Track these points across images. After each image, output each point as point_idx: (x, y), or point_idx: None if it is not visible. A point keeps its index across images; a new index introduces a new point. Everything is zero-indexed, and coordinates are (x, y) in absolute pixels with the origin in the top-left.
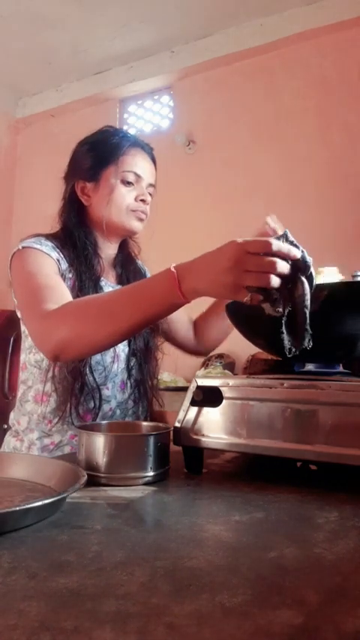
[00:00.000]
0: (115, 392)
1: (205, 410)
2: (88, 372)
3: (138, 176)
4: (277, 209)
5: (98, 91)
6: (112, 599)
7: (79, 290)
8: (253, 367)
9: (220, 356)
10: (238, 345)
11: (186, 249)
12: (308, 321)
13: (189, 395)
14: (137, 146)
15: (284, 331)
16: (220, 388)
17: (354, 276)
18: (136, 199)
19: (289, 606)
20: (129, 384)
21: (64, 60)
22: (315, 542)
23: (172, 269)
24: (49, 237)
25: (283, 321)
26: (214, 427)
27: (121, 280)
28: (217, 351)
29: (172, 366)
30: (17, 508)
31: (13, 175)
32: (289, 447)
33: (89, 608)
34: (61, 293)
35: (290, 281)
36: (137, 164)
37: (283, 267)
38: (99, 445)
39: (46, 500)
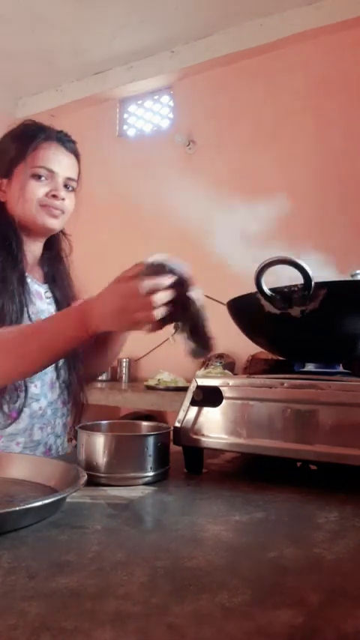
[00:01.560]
0: (44, 390)
1: (205, 410)
2: None
3: (50, 171)
4: (277, 209)
5: (98, 91)
6: (112, 599)
7: (1, 286)
8: (253, 367)
9: (220, 356)
10: (238, 345)
11: (187, 249)
12: (208, 328)
13: (189, 395)
14: (51, 140)
15: (188, 339)
16: (220, 388)
17: (353, 275)
18: (47, 195)
19: (289, 606)
20: (57, 384)
21: (64, 60)
22: (315, 542)
23: (77, 308)
24: None
25: (186, 337)
26: (214, 427)
27: (47, 279)
28: (217, 351)
29: (172, 366)
30: (17, 508)
31: None
32: (289, 447)
33: (89, 608)
34: None
35: (179, 300)
36: (50, 158)
37: (161, 297)
38: (99, 445)
39: (46, 500)
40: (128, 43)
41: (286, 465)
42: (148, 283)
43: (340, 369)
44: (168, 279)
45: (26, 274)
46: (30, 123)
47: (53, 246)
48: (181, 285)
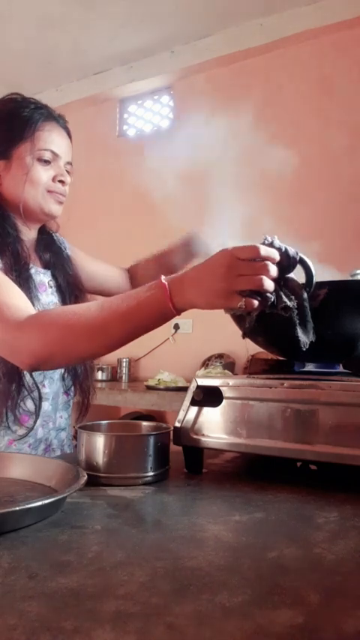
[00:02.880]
0: (54, 389)
1: (205, 410)
2: (25, 372)
3: (55, 154)
4: (277, 208)
5: (98, 91)
6: (112, 599)
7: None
8: (253, 367)
9: (220, 356)
10: (238, 345)
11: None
12: (310, 313)
13: (189, 395)
14: (52, 119)
15: (298, 327)
16: (220, 388)
17: (353, 275)
18: (53, 180)
19: (289, 606)
20: (56, 376)
21: (64, 60)
22: (315, 542)
23: (164, 282)
24: None
25: (295, 318)
26: (214, 427)
27: (48, 265)
28: (217, 351)
29: (172, 366)
30: (17, 508)
31: None
32: (289, 447)
33: (89, 608)
34: (19, 294)
35: (281, 280)
36: (54, 141)
37: (274, 270)
38: (99, 445)
39: (46, 500)
40: (128, 43)
41: (286, 465)
42: (268, 249)
43: (340, 369)
44: (278, 254)
45: (30, 264)
46: (19, 97)
47: (44, 229)
48: (280, 267)
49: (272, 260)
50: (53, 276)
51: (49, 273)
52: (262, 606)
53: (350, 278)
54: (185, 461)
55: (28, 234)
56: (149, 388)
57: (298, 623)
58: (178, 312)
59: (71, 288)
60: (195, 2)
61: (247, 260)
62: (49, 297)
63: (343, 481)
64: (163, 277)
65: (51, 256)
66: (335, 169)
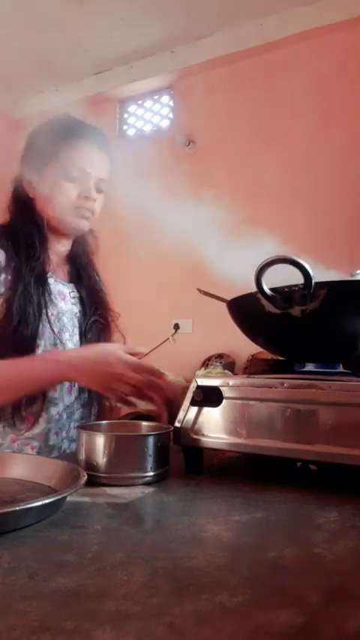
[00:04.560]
0: (62, 394)
1: (205, 410)
2: None
3: (84, 171)
4: (277, 208)
5: (98, 91)
6: (112, 599)
7: (17, 286)
8: (253, 367)
9: (220, 356)
10: (238, 345)
11: (185, 249)
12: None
13: (189, 395)
14: (84, 138)
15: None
16: (220, 388)
17: (353, 276)
18: (79, 197)
19: (289, 606)
20: (76, 387)
21: (64, 60)
22: (315, 542)
23: (57, 362)
24: None
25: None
26: (214, 427)
27: (72, 278)
28: (217, 351)
29: (172, 366)
30: (17, 508)
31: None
32: (289, 447)
33: (89, 608)
34: None
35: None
36: (83, 158)
37: (137, 381)
38: (99, 445)
39: (47, 500)
40: (128, 43)
41: (286, 465)
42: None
43: (341, 369)
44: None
45: (49, 274)
46: (64, 118)
47: (79, 244)
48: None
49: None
50: (76, 289)
51: (71, 285)
52: (262, 606)
53: (350, 278)
54: (185, 461)
55: (58, 245)
56: None
57: (298, 623)
58: (60, 382)
59: (92, 301)
60: (195, 2)
61: (130, 370)
62: (68, 305)
63: (343, 481)
64: (59, 356)
65: (75, 271)
66: (335, 169)
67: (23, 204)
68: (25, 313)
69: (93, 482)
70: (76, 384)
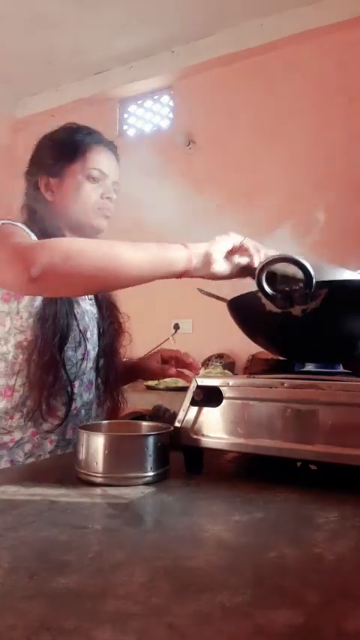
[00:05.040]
0: (81, 391)
1: (205, 410)
2: (61, 365)
3: (103, 173)
4: (276, 208)
5: (98, 91)
6: (112, 599)
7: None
8: (253, 367)
9: (220, 356)
10: (238, 345)
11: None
12: None
13: (189, 395)
14: (101, 144)
15: None
16: (220, 388)
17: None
18: (101, 197)
19: (289, 606)
20: (95, 385)
21: (64, 60)
22: (315, 542)
23: (189, 246)
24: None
25: None
26: (214, 427)
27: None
28: (217, 351)
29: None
30: None
31: (13, 175)
32: (289, 447)
33: (89, 608)
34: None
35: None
36: (102, 161)
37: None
38: (99, 445)
39: None
40: (128, 43)
41: (286, 465)
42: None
43: (341, 369)
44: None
45: None
46: (74, 126)
47: None
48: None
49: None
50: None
51: (90, 302)
52: (262, 606)
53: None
54: (185, 461)
55: None
56: (149, 388)
57: (298, 623)
58: (185, 276)
59: (107, 305)
60: (195, 2)
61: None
62: (87, 306)
63: (343, 481)
64: (186, 244)
65: None
66: (335, 169)
67: (41, 207)
68: (57, 311)
69: (93, 482)
70: (95, 381)
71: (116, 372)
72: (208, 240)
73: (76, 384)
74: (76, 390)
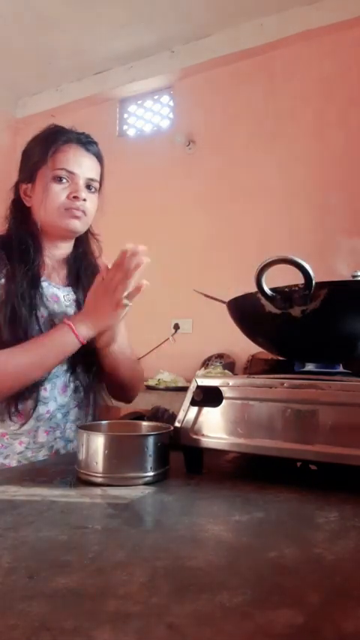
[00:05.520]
0: (54, 394)
1: (205, 410)
2: None
3: (71, 172)
4: (276, 209)
5: (98, 91)
6: (112, 599)
7: (10, 290)
8: (253, 367)
9: (220, 356)
10: (238, 345)
11: (185, 249)
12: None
13: (189, 395)
14: (71, 142)
15: None
16: (220, 388)
17: (354, 276)
18: (69, 197)
19: (289, 606)
20: (71, 387)
21: (64, 60)
22: (315, 542)
23: (68, 322)
24: None
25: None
26: (214, 427)
27: (68, 282)
28: (217, 351)
29: (172, 366)
30: None
31: (13, 175)
32: (289, 447)
33: (89, 608)
34: None
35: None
36: (69, 160)
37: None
38: (99, 445)
39: None
40: (128, 43)
41: (286, 465)
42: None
43: (341, 369)
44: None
45: (43, 278)
46: (53, 127)
47: (78, 248)
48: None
49: (130, 269)
50: (74, 291)
51: (68, 289)
52: (262, 606)
53: (351, 279)
54: (185, 461)
55: (54, 250)
56: (149, 388)
57: (298, 623)
58: (83, 341)
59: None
60: (195, 2)
61: (112, 275)
62: (62, 307)
63: (343, 481)
64: (65, 320)
65: (74, 272)
66: (335, 169)
67: (19, 213)
68: (17, 316)
69: (93, 482)
70: (71, 384)
71: (95, 371)
72: None
73: (48, 387)
74: (48, 394)
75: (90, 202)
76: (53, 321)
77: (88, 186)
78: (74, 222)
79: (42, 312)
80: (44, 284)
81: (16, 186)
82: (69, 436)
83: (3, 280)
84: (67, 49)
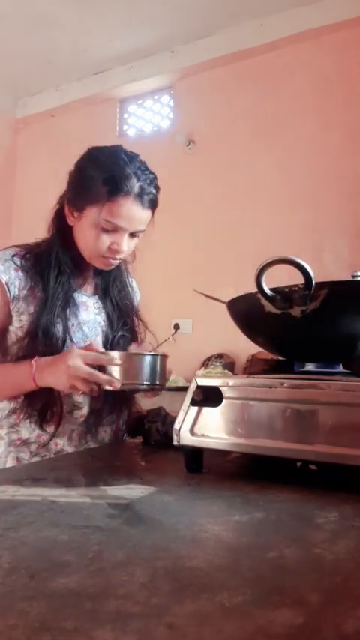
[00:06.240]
0: (87, 399)
1: (205, 410)
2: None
3: (118, 227)
4: (276, 208)
5: (98, 91)
6: (112, 599)
7: (45, 303)
8: (253, 367)
9: (220, 356)
10: (238, 345)
11: (185, 249)
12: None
13: (189, 395)
14: (130, 195)
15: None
16: (220, 388)
17: (354, 276)
18: (110, 246)
19: (289, 606)
20: (105, 392)
21: (64, 60)
22: (315, 542)
23: (30, 365)
24: (24, 252)
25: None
26: (214, 427)
27: (97, 291)
28: (217, 351)
29: (172, 366)
30: None
31: (13, 175)
32: (290, 447)
33: (89, 608)
34: None
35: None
36: (122, 215)
37: (104, 380)
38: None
39: None
40: (128, 43)
41: (286, 465)
42: (102, 357)
43: (341, 369)
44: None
45: (77, 289)
46: (118, 161)
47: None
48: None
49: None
50: (101, 299)
51: (95, 297)
52: (262, 606)
53: (351, 279)
54: (185, 461)
55: (89, 265)
56: None
57: (298, 623)
58: (37, 386)
59: (120, 314)
60: (195, 2)
61: (88, 365)
62: (91, 315)
63: (343, 481)
64: (34, 359)
65: (102, 283)
66: (335, 169)
67: (63, 228)
68: (51, 330)
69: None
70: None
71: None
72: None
73: (79, 393)
74: (81, 399)
75: (129, 248)
76: (83, 329)
77: (132, 234)
78: (108, 266)
79: (72, 322)
80: (75, 294)
81: (63, 201)
82: (103, 439)
83: (37, 294)
84: (67, 49)
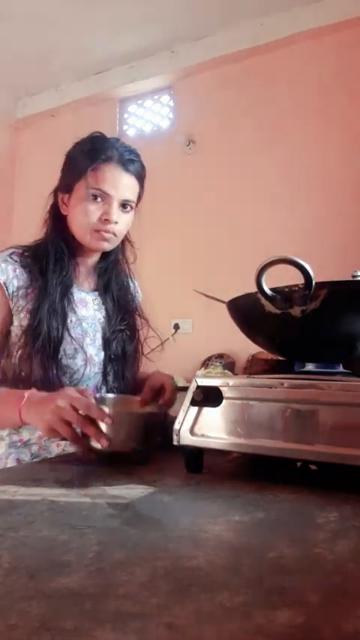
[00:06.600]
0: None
1: (205, 410)
2: (56, 375)
3: (105, 193)
4: (276, 208)
5: (98, 91)
6: (112, 599)
7: (43, 299)
8: (253, 367)
9: (220, 356)
10: (238, 345)
11: (186, 249)
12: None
13: (189, 395)
14: (111, 160)
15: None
16: (220, 388)
17: (354, 276)
18: (100, 218)
19: (289, 606)
20: (103, 391)
21: (64, 60)
22: (315, 542)
23: (21, 398)
24: (22, 251)
25: None
26: (214, 427)
27: (98, 287)
28: (217, 351)
29: (172, 366)
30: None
31: (13, 175)
32: (290, 447)
33: (89, 608)
34: None
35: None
36: (107, 180)
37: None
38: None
39: None
40: (128, 43)
41: (286, 465)
42: (93, 409)
43: (341, 369)
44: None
45: (74, 285)
46: (98, 136)
47: (111, 255)
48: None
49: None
50: (101, 297)
51: (95, 293)
52: (262, 606)
53: (351, 279)
54: (185, 461)
55: (88, 258)
56: None
57: (298, 623)
58: (23, 423)
59: (119, 310)
60: (195, 2)
61: (75, 410)
62: (90, 311)
63: (343, 481)
64: (27, 393)
65: (103, 279)
66: (335, 170)
67: (57, 220)
68: (49, 325)
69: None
70: (102, 388)
71: (126, 378)
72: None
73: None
74: None
75: (122, 223)
76: (82, 325)
77: (123, 205)
78: (102, 244)
79: (70, 318)
80: (74, 290)
81: (56, 192)
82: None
83: (35, 290)
84: (67, 49)
